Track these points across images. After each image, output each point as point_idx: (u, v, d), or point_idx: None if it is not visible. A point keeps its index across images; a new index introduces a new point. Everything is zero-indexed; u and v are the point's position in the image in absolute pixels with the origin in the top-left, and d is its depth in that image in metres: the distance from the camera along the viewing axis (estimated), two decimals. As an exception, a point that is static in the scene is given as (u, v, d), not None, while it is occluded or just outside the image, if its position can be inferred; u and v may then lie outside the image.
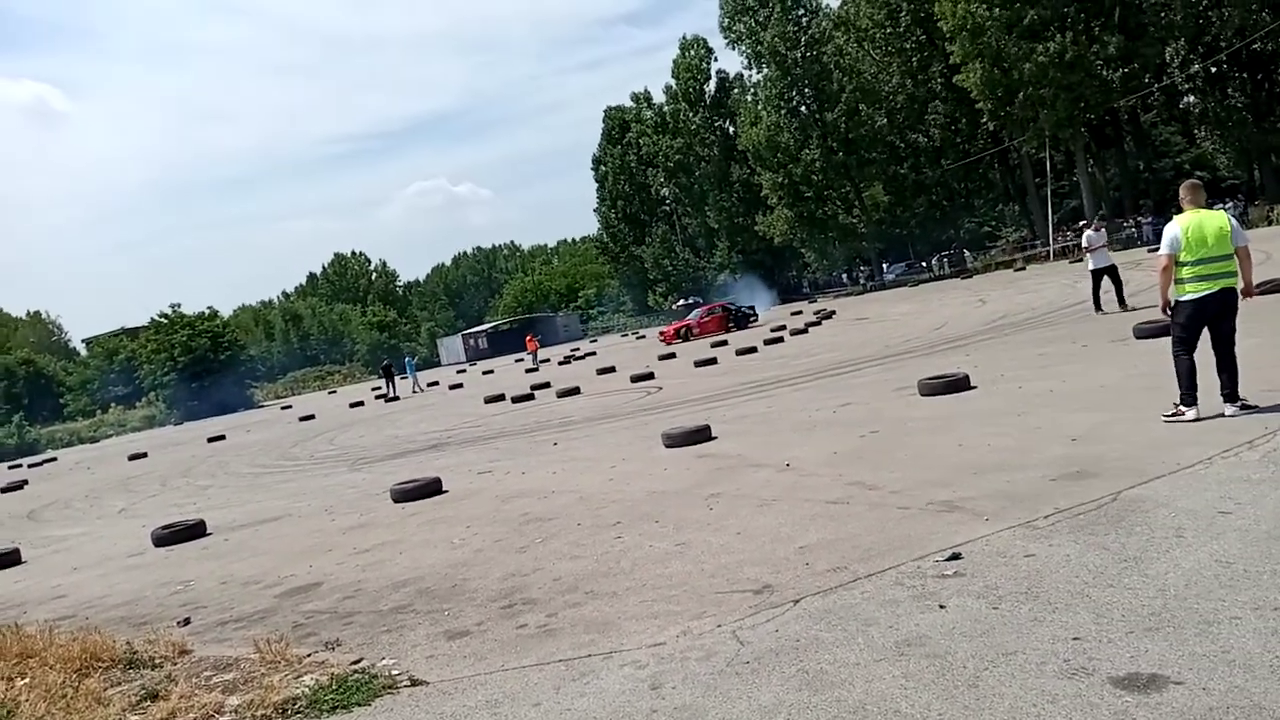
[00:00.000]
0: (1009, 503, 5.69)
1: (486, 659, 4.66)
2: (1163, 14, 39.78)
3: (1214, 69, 43.30)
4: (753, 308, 38.57)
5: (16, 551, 11.11)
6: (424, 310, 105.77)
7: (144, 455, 27.21)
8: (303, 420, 30.49)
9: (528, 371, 34.61)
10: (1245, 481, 5.24)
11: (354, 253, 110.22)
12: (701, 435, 10.36)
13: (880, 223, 53.51)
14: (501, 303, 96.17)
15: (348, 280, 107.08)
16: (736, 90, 63.39)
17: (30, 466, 33.14)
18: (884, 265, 57.66)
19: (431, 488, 10.14)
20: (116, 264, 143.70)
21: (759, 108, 54.12)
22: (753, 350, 23.16)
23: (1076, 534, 4.89)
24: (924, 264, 55.56)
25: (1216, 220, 6.99)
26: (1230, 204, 41.52)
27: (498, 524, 7.98)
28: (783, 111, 52.09)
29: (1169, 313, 7.29)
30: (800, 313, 36.60)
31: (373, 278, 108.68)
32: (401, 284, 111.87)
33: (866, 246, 55.48)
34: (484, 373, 41.91)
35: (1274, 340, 9.77)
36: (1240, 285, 7.07)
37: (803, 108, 52.72)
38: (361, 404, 34.49)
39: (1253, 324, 11.15)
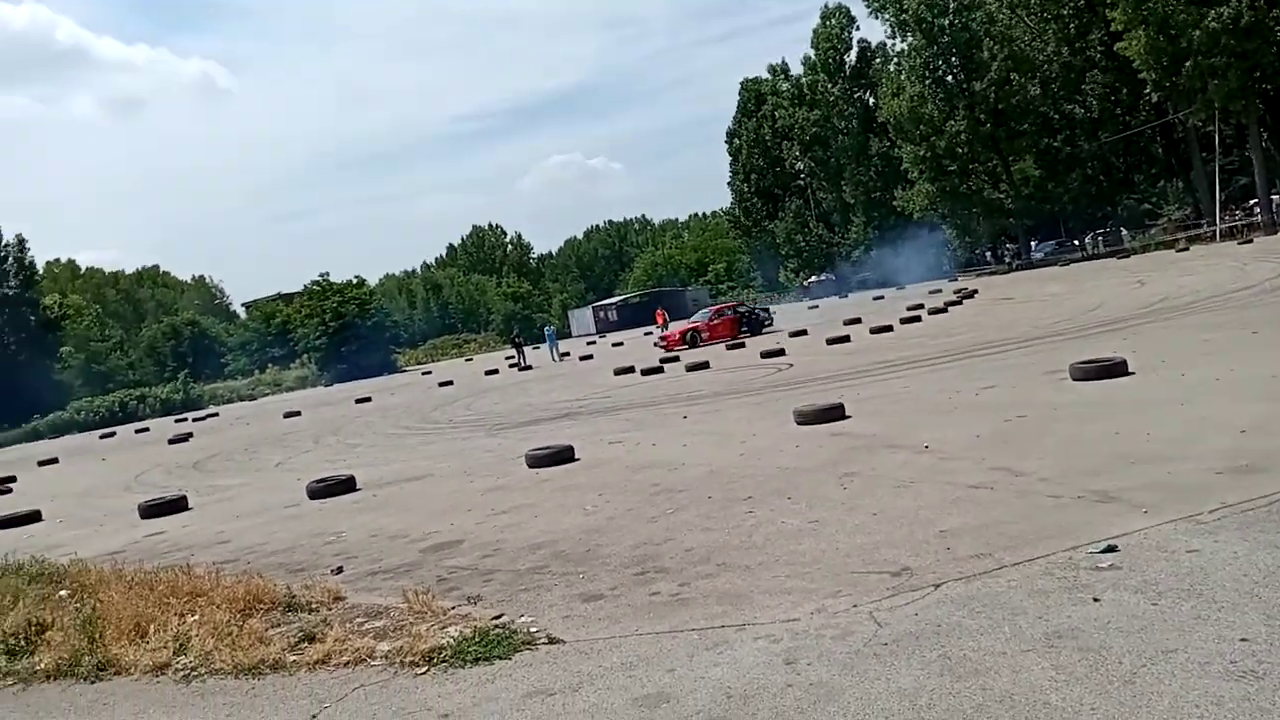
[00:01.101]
0: (1170, 495, 5.37)
1: (621, 622, 4.75)
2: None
3: None
4: (768, 309, 35.33)
5: (184, 499, 12.01)
6: (556, 282, 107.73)
7: (298, 414, 28.87)
8: (441, 386, 31.64)
9: (657, 345, 34.83)
10: None
11: (491, 225, 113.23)
12: (835, 413, 10.19)
13: (1029, 198, 50.87)
14: (631, 276, 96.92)
15: (485, 252, 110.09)
16: (878, 60, 61.38)
17: (194, 421, 35.67)
18: (1032, 243, 54.93)
19: (564, 455, 10.37)
20: (273, 234, 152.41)
21: (902, 78, 52.21)
22: (888, 329, 22.56)
23: (1245, 531, 4.58)
24: (1076, 243, 52.59)
25: None
26: None
27: (629, 493, 8.10)
28: (927, 81, 50.11)
29: None
30: (939, 291, 35.35)
31: (508, 250, 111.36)
32: (535, 256, 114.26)
33: (1013, 223, 52.97)
34: (613, 345, 42.43)
35: None
36: None
37: (949, 77, 50.57)
38: (496, 372, 35.51)
39: None
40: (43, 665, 5.45)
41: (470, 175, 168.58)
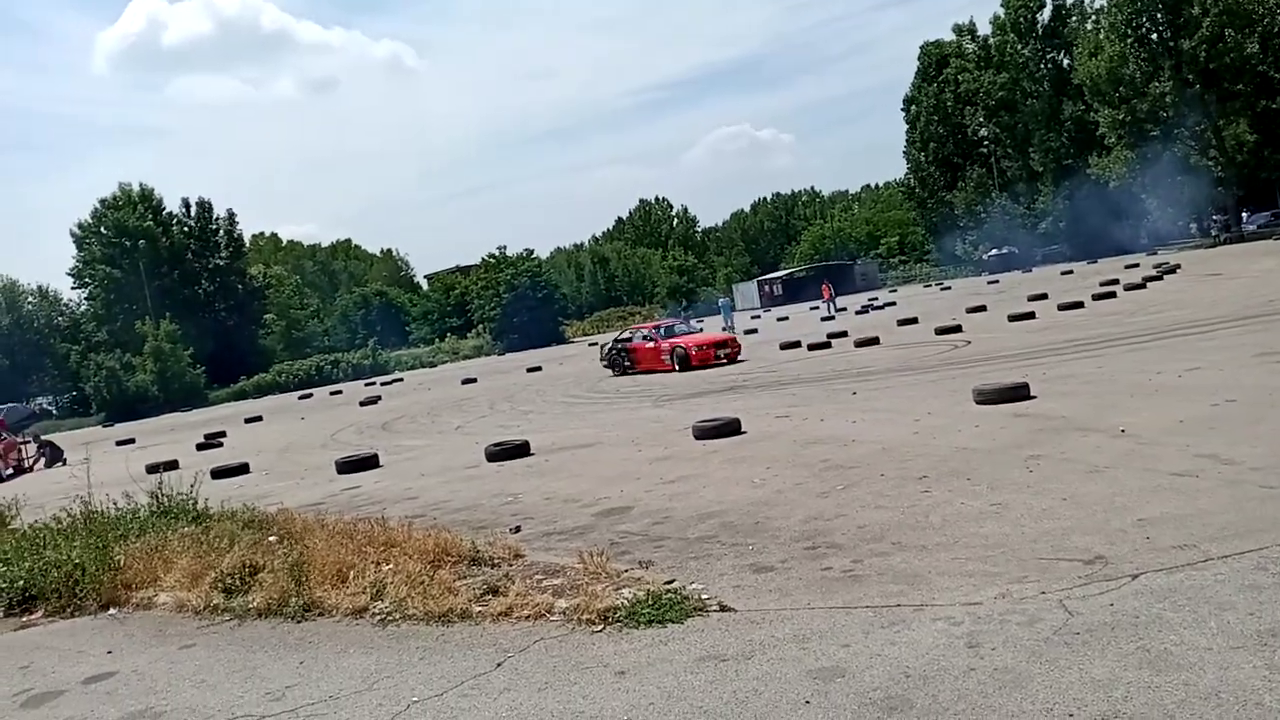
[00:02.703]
0: None
1: (791, 595, 4.75)
2: None
3: None
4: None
5: (375, 456, 12.87)
6: (721, 255, 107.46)
7: (474, 380, 30.28)
8: (608, 356, 32.32)
9: (824, 320, 34.19)
10: None
11: (657, 199, 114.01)
12: (1019, 393, 9.71)
13: (1242, 166, 46.30)
14: (798, 249, 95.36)
15: (651, 225, 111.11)
16: (1074, 19, 57.30)
17: (382, 385, 38.05)
18: (1243, 215, 50.05)
19: (731, 427, 10.40)
20: (453, 209, 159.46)
21: (1100, 36, 48.50)
22: (1078, 305, 21.19)
23: None
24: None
25: None
26: None
27: (797, 467, 8.04)
28: (1128, 40, 46.32)
29: None
30: (1136, 266, 32.85)
31: (674, 223, 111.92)
32: (700, 229, 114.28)
33: (1223, 193, 48.40)
34: (779, 319, 41.96)
35: None
36: None
37: (1153, 35, 46.56)
38: (662, 344, 35.92)
39: None
40: (255, 604, 6.00)
41: (639, 149, 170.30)
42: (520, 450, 11.28)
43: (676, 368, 21.44)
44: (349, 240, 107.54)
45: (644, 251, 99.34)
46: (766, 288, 75.61)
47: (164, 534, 7.58)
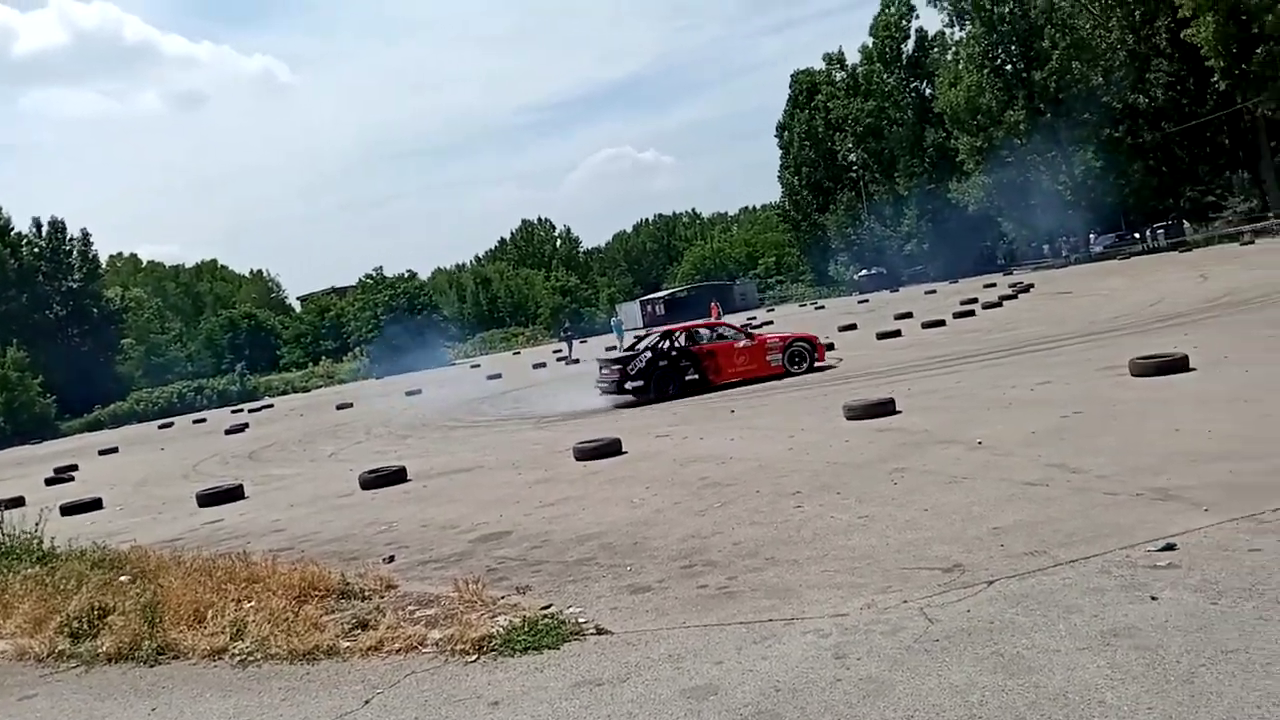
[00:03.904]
0: (1232, 494, 5.23)
1: (668, 615, 4.76)
2: None
3: None
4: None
5: (240, 488, 12.29)
6: (604, 276, 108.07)
7: (350, 405, 29.37)
8: (490, 379, 31.94)
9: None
10: None
11: (540, 219, 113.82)
12: (885, 408, 10.08)
13: (1090, 190, 49.70)
14: (680, 269, 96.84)
15: (534, 245, 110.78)
16: (935, 49, 60.44)
17: (250, 412, 36.47)
18: (1091, 236, 53.66)
19: (612, 448, 10.41)
20: (329, 228, 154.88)
21: (959, 67, 51.32)
22: (940, 324, 22.23)
23: (1314, 532, 4.43)
24: (1136, 236, 51.30)
25: None
26: None
27: (676, 486, 8.10)
28: (985, 71, 49.17)
29: None
30: (994, 285, 34.72)
31: (557, 244, 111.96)
32: (583, 250, 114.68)
33: (1072, 216, 51.78)
34: (662, 339, 42.41)
35: None
36: None
37: (1007, 66, 49.58)
38: (544, 365, 35.73)
39: None
40: (104, 648, 5.62)
41: (523, 168, 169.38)
42: (396, 476, 10.98)
43: (790, 369, 16.44)
44: (215, 261, 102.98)
45: (527, 272, 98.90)
46: (649, 307, 76.40)
47: (4, 577, 7.04)
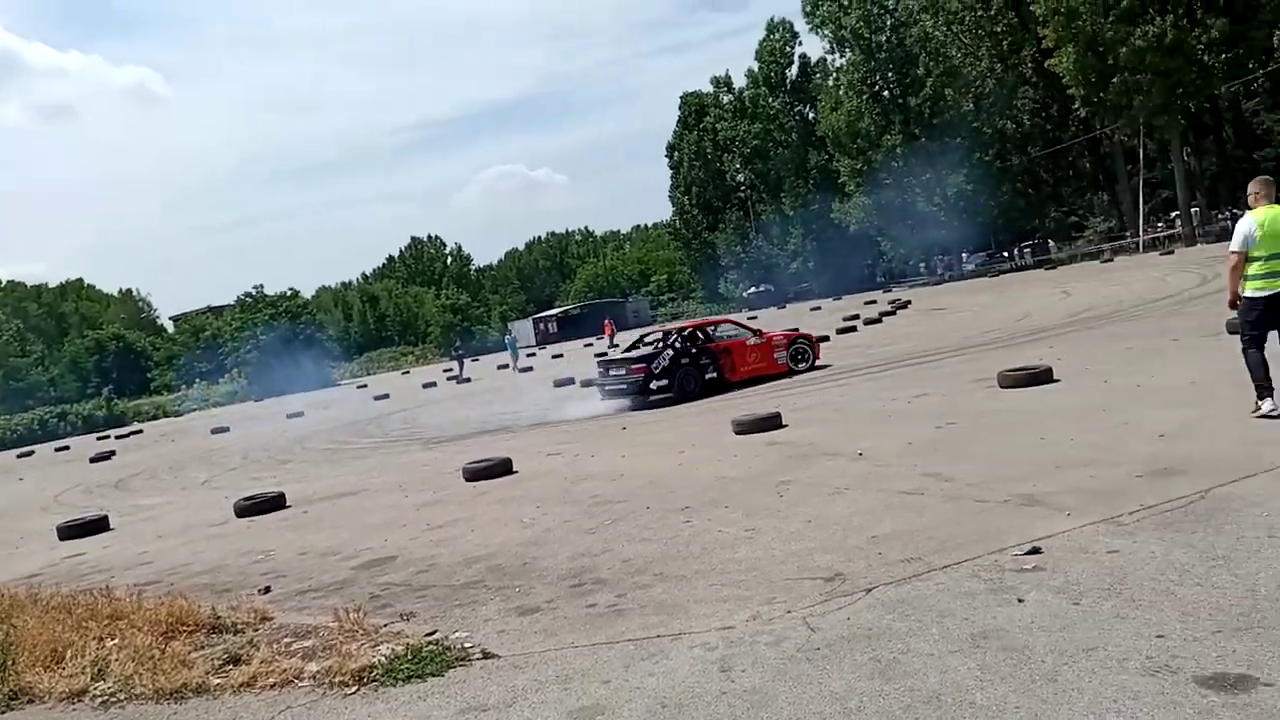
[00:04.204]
0: (1092, 498, 5.52)
1: (557, 635, 4.71)
2: (1275, -6, 37.83)
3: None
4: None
5: (105, 519, 11.61)
6: (496, 294, 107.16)
7: (226, 430, 28.14)
8: (377, 399, 31.15)
9: (598, 356, 34.78)
10: (1349, 483, 4.98)
11: (430, 236, 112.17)
12: (772, 422, 10.28)
13: (962, 211, 52.21)
14: (572, 287, 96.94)
15: (424, 263, 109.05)
16: (818, 75, 62.47)
17: (118, 438, 34.52)
18: (964, 255, 56.31)
19: (502, 467, 10.28)
20: (206, 245, 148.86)
21: (840, 92, 53.22)
22: (824, 339, 22.84)
23: (1163, 531, 4.72)
24: (1005, 254, 54.09)
25: None
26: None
27: (567, 505, 8.05)
28: (864, 96, 51.14)
29: (1238, 308, 7.11)
30: (874, 302, 35.98)
31: (448, 261, 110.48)
32: (475, 268, 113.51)
33: (946, 235, 54.26)
34: (554, 356, 42.29)
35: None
36: None
37: (885, 92, 51.67)
38: (434, 385, 35.09)
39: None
40: (-52, 697, 5.19)
41: (412, 185, 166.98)
42: (274, 503, 10.55)
43: (794, 367, 16.31)
44: (81, 280, 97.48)
45: (417, 290, 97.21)
46: (542, 325, 76.17)
47: None
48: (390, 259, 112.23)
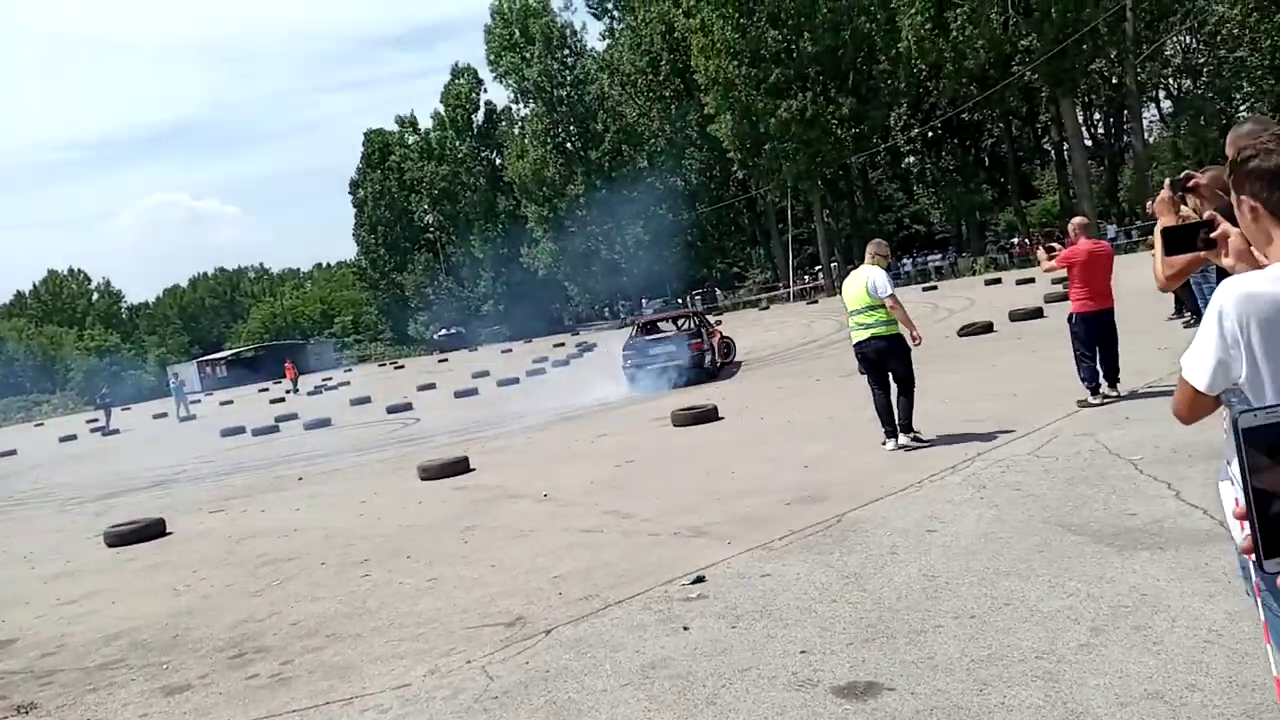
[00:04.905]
0: (749, 526, 6.00)
1: (209, 714, 4.27)
2: (889, 81, 44.25)
3: (930, 133, 48.62)
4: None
5: None
6: (154, 335, 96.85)
7: None
8: (1, 456, 26.85)
9: (273, 402, 32.53)
10: (949, 503, 5.84)
11: (72, 270, 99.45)
12: (460, 466, 10.15)
13: (641, 260, 55.40)
14: (246, 328, 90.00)
15: (63, 300, 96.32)
16: (504, 122, 63.60)
17: None
18: (644, 301, 59.66)
19: (153, 529, 9.22)
20: None
21: (525, 141, 54.60)
22: (515, 381, 23.11)
23: (806, 554, 5.23)
24: (679, 301, 58.03)
25: (859, 278, 7.83)
26: (939, 255, 46.80)
27: (230, 566, 7.39)
28: (549, 146, 52.87)
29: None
30: (563, 345, 37.01)
31: (93, 298, 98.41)
32: (128, 306, 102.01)
33: (628, 282, 57.22)
34: (222, 403, 38.93)
35: (978, 376, 11.01)
36: (901, 331, 7.68)
37: (568, 144, 53.78)
38: (74, 437, 30.89)
39: (961, 362, 12.56)
40: None
41: (52, 212, 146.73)
42: None
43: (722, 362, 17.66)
44: None
45: (54, 330, 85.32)
46: (209, 369, 69.96)
47: None
48: (21, 295, 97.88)
